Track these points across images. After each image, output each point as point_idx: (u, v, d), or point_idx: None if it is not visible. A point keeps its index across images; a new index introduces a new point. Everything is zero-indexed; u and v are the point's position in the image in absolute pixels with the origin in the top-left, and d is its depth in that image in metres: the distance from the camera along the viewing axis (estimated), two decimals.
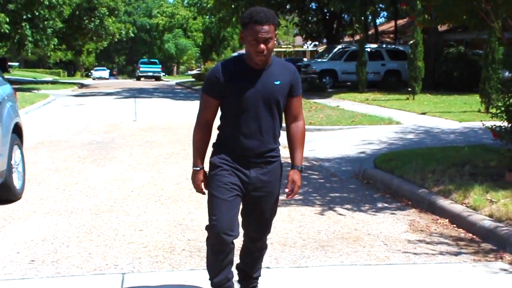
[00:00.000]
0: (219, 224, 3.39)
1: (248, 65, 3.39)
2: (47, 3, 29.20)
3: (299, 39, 46.83)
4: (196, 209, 6.34)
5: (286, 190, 3.54)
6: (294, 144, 3.60)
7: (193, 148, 3.56)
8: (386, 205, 6.69)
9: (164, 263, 4.72)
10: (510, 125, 6.66)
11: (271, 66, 3.43)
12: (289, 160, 3.65)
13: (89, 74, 73.27)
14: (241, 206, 3.56)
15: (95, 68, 73.38)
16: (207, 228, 3.49)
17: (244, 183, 3.47)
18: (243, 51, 3.89)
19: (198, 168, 3.55)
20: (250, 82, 3.38)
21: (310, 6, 32.78)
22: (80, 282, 4.32)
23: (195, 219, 5.96)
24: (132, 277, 4.41)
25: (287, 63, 3.60)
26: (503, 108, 6.71)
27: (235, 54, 39.07)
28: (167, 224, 5.80)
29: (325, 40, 34.74)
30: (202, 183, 3.57)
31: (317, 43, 39.45)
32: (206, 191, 3.56)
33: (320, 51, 37.28)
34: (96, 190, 7.28)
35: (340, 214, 6.24)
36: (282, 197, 3.81)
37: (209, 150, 3.63)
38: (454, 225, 5.79)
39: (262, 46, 3.26)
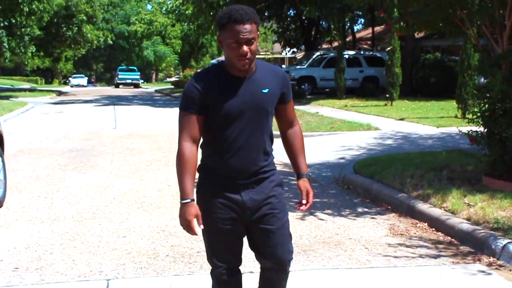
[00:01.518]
0: (221, 264, 3.10)
1: (230, 73, 2.90)
2: (27, 9, 28.98)
3: (277, 46, 47.02)
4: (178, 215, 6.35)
5: (304, 202, 3.13)
6: (295, 152, 3.23)
7: (179, 178, 2.92)
8: (366, 209, 6.78)
9: (148, 269, 4.76)
10: (486, 130, 6.79)
11: (256, 72, 2.94)
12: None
13: (67, 81, 72.86)
14: (246, 235, 3.14)
15: (73, 76, 73.01)
16: (209, 263, 3.18)
17: (237, 210, 2.99)
18: (222, 58, 3.66)
19: (188, 200, 2.91)
20: (234, 93, 2.88)
21: (288, 13, 33.00)
22: None
23: (178, 225, 5.90)
24: (117, 283, 4.45)
25: (275, 66, 3.14)
26: (479, 114, 6.83)
27: (214, 61, 39.01)
28: (150, 231, 5.83)
29: (303, 47, 34.95)
30: (195, 219, 2.93)
31: (295, 50, 39.69)
32: (200, 229, 3.00)
33: (298, 58, 37.49)
34: (78, 198, 7.28)
35: (321, 219, 6.31)
36: None
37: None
38: (433, 229, 5.90)
39: (245, 48, 2.78)
